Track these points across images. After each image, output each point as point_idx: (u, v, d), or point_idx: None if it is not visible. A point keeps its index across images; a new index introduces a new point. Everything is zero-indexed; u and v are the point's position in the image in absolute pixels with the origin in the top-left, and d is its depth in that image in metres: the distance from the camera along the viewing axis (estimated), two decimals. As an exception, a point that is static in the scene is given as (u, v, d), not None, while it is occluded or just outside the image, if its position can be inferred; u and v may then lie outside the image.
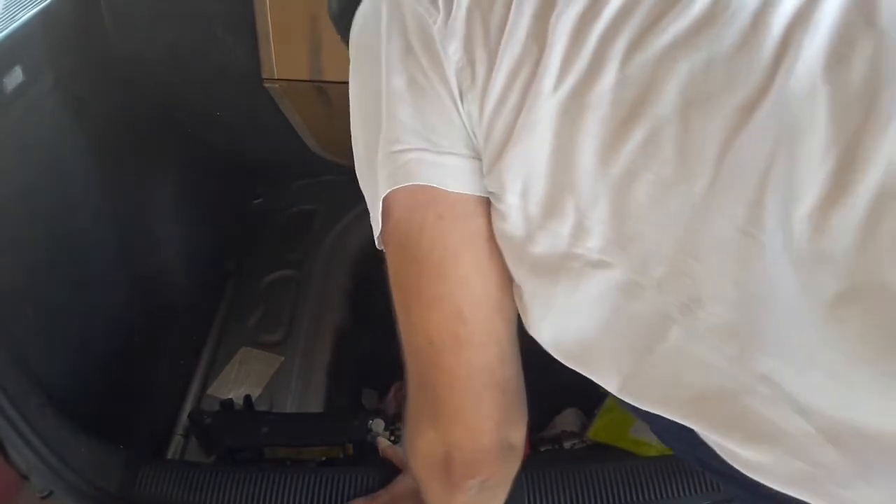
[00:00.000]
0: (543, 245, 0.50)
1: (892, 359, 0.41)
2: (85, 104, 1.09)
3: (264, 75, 1.15)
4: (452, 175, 0.52)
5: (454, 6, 0.51)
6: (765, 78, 0.44)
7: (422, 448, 0.58)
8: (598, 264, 0.49)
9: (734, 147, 0.44)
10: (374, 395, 1.27)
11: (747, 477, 0.47)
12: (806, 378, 0.44)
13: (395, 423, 1.05)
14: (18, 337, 0.88)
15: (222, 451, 1.03)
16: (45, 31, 1.00)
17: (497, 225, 0.52)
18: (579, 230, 0.49)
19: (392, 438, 1.02)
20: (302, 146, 1.36)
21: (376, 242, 0.56)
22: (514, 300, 0.55)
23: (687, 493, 0.80)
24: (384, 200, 0.52)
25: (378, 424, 0.99)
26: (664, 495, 0.81)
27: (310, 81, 1.15)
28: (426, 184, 0.51)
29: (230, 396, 1.13)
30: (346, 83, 1.26)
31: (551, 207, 0.49)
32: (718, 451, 0.49)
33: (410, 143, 0.51)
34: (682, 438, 0.51)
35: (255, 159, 1.53)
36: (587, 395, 1.16)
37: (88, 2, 1.10)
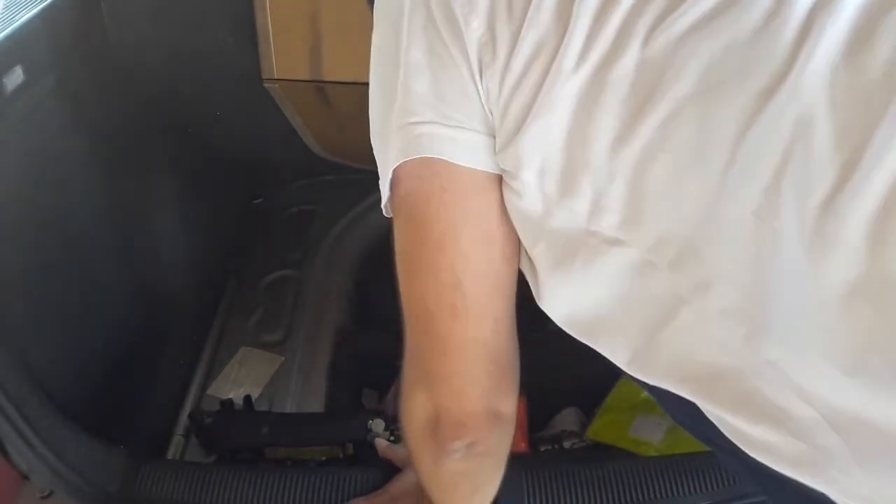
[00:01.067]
0: (561, 221, 0.51)
1: None
2: (85, 104, 1.09)
3: (264, 75, 1.15)
4: (462, 149, 0.52)
5: None
6: (784, 63, 0.43)
7: (412, 410, 0.60)
8: (614, 242, 0.49)
9: (751, 132, 0.44)
10: (374, 395, 1.27)
11: (750, 457, 0.47)
12: (812, 367, 0.44)
13: (394, 423, 1.05)
14: (19, 336, 0.88)
15: (222, 450, 1.03)
16: (46, 32, 1.00)
17: (512, 202, 0.53)
18: (596, 208, 0.49)
19: (392, 438, 1.02)
20: (302, 146, 1.36)
21: (384, 210, 0.57)
22: (514, 277, 0.56)
23: (687, 492, 0.80)
24: (394, 171, 0.53)
25: (378, 424, 0.99)
26: (664, 495, 0.81)
27: (310, 81, 1.15)
28: (435, 157, 0.52)
29: (230, 396, 1.13)
30: (346, 83, 1.26)
31: (568, 185, 0.50)
32: (723, 430, 0.49)
33: (424, 116, 0.52)
34: (688, 414, 0.51)
35: (255, 159, 1.53)
36: (587, 395, 1.17)
37: (89, 2, 1.11)
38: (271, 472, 0.89)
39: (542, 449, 1.10)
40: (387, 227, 1.75)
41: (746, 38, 0.45)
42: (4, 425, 0.80)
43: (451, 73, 0.51)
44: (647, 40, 0.47)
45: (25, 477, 0.82)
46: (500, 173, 0.53)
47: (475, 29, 0.50)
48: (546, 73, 0.49)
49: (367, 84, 1.19)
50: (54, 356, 0.96)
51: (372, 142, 0.58)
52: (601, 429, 1.10)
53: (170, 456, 1.09)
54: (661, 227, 0.47)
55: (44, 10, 0.99)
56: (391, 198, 0.55)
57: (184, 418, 1.15)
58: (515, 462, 0.94)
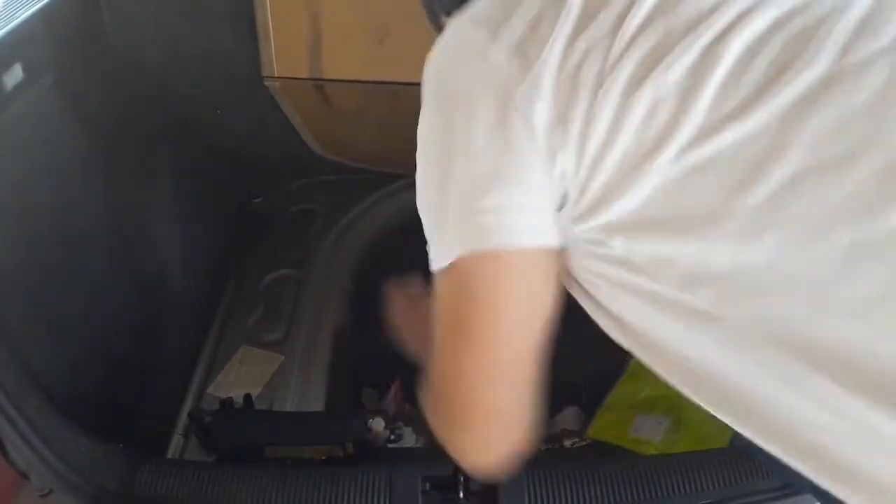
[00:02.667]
0: (651, 285, 0.50)
1: None
2: (85, 102, 1.09)
3: (264, 73, 1.15)
4: (524, 233, 0.52)
5: (540, 62, 0.49)
6: None
7: (432, 421, 0.60)
8: (704, 314, 0.48)
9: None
10: (375, 395, 1.27)
11: None
12: None
13: (395, 423, 1.05)
14: (18, 336, 0.88)
15: (222, 450, 1.03)
16: (46, 29, 1.00)
17: (597, 263, 0.53)
18: (690, 280, 0.48)
19: (392, 437, 1.02)
20: (302, 145, 1.36)
21: (431, 265, 0.56)
22: (545, 333, 0.57)
23: (687, 491, 0.80)
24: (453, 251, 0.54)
25: (378, 423, 0.99)
26: (664, 494, 0.80)
27: (310, 80, 1.15)
28: (499, 248, 0.52)
29: (230, 395, 1.12)
30: (346, 82, 1.26)
31: (662, 259, 0.49)
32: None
33: (486, 203, 0.51)
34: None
35: (255, 158, 1.53)
36: (587, 394, 1.16)
37: (89, 0, 1.10)
38: (271, 472, 0.89)
39: (543, 448, 1.10)
40: (386, 227, 1.75)
41: (860, 110, 0.44)
42: (4, 424, 0.80)
43: (515, 158, 0.50)
44: (743, 115, 0.45)
45: (25, 476, 0.82)
46: (558, 245, 0.53)
47: (540, 111, 0.49)
48: (635, 153, 0.48)
49: (366, 83, 1.20)
50: (54, 355, 0.96)
51: (420, 210, 0.58)
52: (601, 428, 1.10)
53: (170, 455, 1.09)
54: (761, 310, 0.47)
55: (43, 8, 0.99)
56: (444, 268, 0.55)
57: (184, 417, 1.15)
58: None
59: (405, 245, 1.51)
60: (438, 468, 0.85)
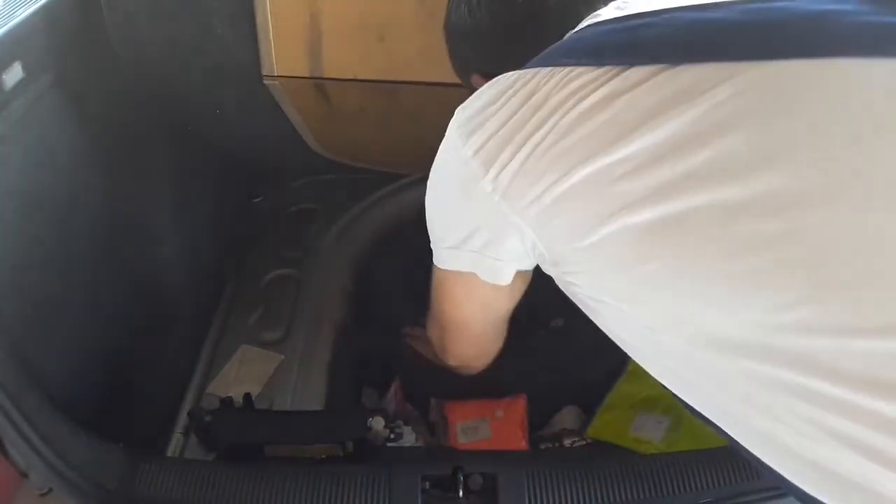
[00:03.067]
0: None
1: None
2: (85, 101, 1.09)
3: (264, 72, 1.15)
4: (491, 273, 0.71)
5: (499, 163, 0.61)
6: None
7: (430, 337, 0.94)
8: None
9: None
10: (374, 394, 1.27)
11: None
12: None
13: (394, 422, 1.05)
14: (17, 334, 0.88)
15: (222, 448, 1.03)
16: (46, 28, 1.00)
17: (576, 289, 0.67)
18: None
19: (391, 437, 1.02)
20: (302, 144, 1.36)
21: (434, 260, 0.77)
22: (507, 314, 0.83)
23: (688, 490, 0.80)
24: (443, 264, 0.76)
25: (378, 422, 0.99)
26: (664, 493, 0.80)
27: (309, 79, 1.15)
28: (469, 273, 0.72)
29: (230, 394, 1.12)
30: (346, 81, 1.26)
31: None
32: None
33: (470, 245, 0.69)
34: None
35: (254, 157, 1.53)
36: (587, 393, 1.16)
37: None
38: (271, 471, 0.89)
39: (543, 447, 1.10)
40: (386, 227, 1.75)
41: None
42: (3, 423, 0.79)
43: (491, 226, 0.66)
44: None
45: (24, 475, 0.82)
46: (525, 270, 0.72)
47: (501, 197, 0.62)
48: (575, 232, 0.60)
49: (366, 82, 1.20)
50: (53, 354, 0.96)
51: (428, 224, 0.75)
52: (601, 427, 1.10)
53: (169, 454, 1.09)
54: None
55: (43, 7, 0.99)
56: (438, 267, 0.76)
57: (183, 416, 1.14)
58: (516, 461, 0.94)
59: (405, 244, 1.52)
60: (438, 467, 0.85)
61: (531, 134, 0.59)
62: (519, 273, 0.72)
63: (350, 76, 1.14)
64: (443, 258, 0.74)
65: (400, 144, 1.32)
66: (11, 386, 0.81)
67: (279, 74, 1.15)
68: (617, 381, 1.15)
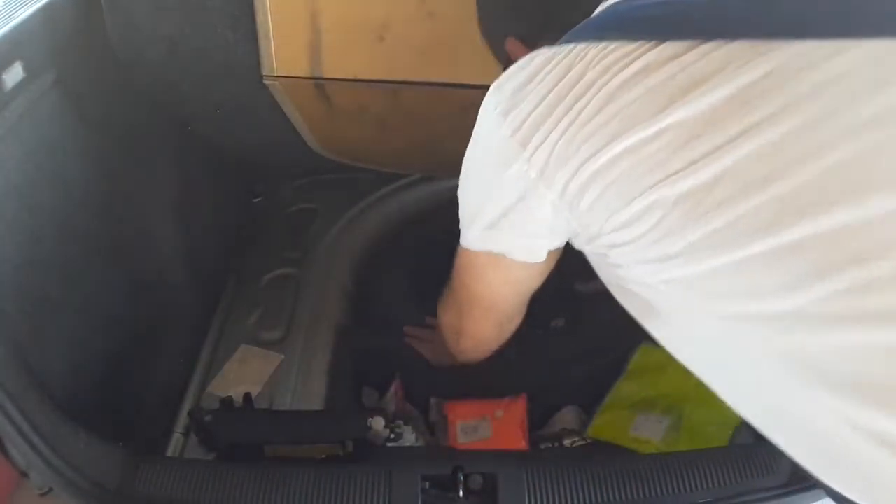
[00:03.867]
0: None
1: None
2: (85, 101, 1.09)
3: (264, 72, 1.15)
4: (522, 252, 0.72)
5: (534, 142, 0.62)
6: None
7: (443, 321, 0.95)
8: None
9: None
10: (374, 394, 1.27)
11: None
12: None
13: (394, 421, 1.05)
14: (18, 334, 0.88)
15: (222, 448, 1.03)
16: (46, 28, 1.00)
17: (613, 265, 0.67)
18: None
19: (391, 436, 1.02)
20: (302, 144, 1.36)
21: (460, 239, 0.77)
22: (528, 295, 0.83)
23: (688, 490, 0.80)
24: (472, 244, 0.76)
25: (378, 422, 0.99)
26: (664, 492, 0.80)
27: (310, 79, 1.15)
28: (499, 253, 0.73)
29: (230, 394, 1.12)
30: (346, 81, 1.25)
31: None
32: None
33: (501, 224, 0.69)
34: None
35: (254, 157, 1.53)
36: (587, 393, 1.16)
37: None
38: (271, 470, 0.89)
39: (543, 447, 1.10)
40: (386, 226, 1.74)
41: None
42: (4, 423, 0.80)
43: (523, 204, 0.65)
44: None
45: (24, 474, 0.82)
46: (556, 248, 0.72)
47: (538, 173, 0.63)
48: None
49: (366, 82, 1.20)
50: (53, 353, 0.96)
51: (459, 202, 0.75)
52: (601, 427, 1.10)
53: (169, 454, 1.09)
54: None
55: (44, 7, 0.99)
56: (466, 248, 0.76)
57: (183, 416, 1.15)
58: (515, 460, 0.94)
59: (405, 244, 1.52)
60: (438, 467, 0.85)
61: (567, 110, 0.59)
62: (550, 251, 0.72)
63: (350, 76, 1.14)
64: (475, 238, 0.73)
65: (400, 144, 1.32)
66: (11, 386, 0.81)
67: (279, 74, 1.15)
68: (617, 381, 1.15)
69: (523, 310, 0.87)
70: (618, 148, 0.57)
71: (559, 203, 0.62)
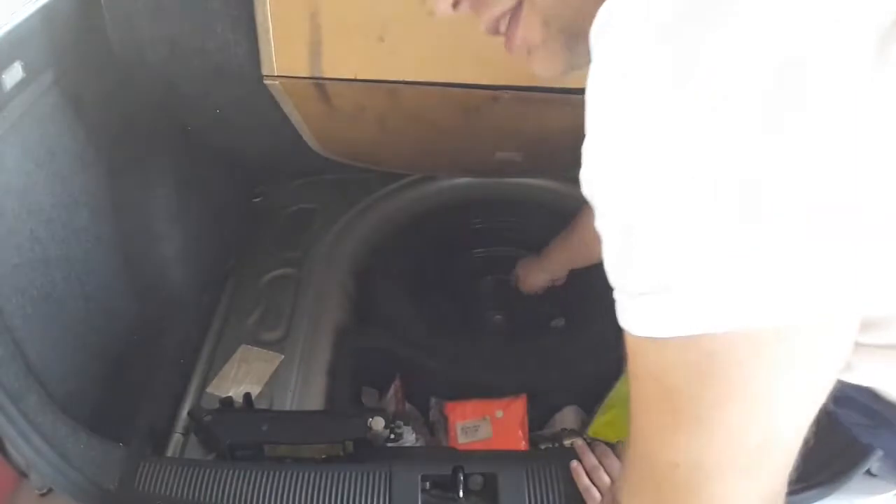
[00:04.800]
0: None
1: None
2: (84, 101, 1.08)
3: (264, 72, 1.15)
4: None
5: None
6: None
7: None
8: None
9: None
10: (374, 394, 1.27)
11: None
12: None
13: (394, 421, 1.05)
14: (17, 334, 0.88)
15: (222, 448, 1.03)
16: (46, 28, 1.00)
17: None
18: None
19: (391, 436, 1.02)
20: (302, 144, 1.36)
21: (624, 323, 0.44)
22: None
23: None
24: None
25: (378, 422, 0.99)
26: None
27: (310, 79, 1.15)
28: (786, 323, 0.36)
29: (230, 394, 1.12)
30: (346, 81, 1.25)
31: None
32: None
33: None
34: None
35: (254, 157, 1.53)
36: (587, 393, 1.16)
37: (88, -1, 1.10)
38: (271, 470, 0.89)
39: (543, 447, 1.10)
40: (386, 226, 1.75)
41: None
42: (3, 423, 0.80)
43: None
44: None
45: (24, 474, 0.82)
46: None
47: None
48: None
49: (366, 82, 1.20)
50: (53, 353, 0.96)
51: (661, 246, 0.38)
52: (602, 427, 1.10)
53: (169, 453, 1.09)
54: None
55: (43, 7, 0.99)
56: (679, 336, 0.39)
57: (183, 416, 1.15)
58: (515, 460, 0.94)
59: (405, 244, 1.52)
60: (438, 467, 0.85)
61: None
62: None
63: (350, 76, 1.14)
64: (716, 309, 0.36)
65: (400, 144, 1.31)
66: (11, 386, 0.81)
67: (279, 74, 1.15)
68: (617, 381, 1.15)
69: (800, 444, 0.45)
70: None
71: None
